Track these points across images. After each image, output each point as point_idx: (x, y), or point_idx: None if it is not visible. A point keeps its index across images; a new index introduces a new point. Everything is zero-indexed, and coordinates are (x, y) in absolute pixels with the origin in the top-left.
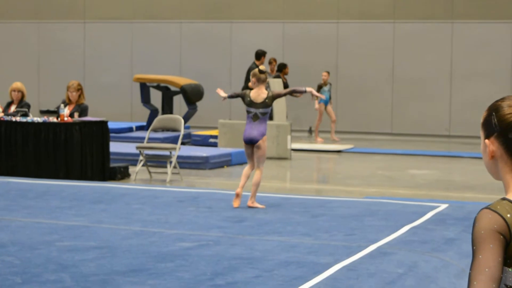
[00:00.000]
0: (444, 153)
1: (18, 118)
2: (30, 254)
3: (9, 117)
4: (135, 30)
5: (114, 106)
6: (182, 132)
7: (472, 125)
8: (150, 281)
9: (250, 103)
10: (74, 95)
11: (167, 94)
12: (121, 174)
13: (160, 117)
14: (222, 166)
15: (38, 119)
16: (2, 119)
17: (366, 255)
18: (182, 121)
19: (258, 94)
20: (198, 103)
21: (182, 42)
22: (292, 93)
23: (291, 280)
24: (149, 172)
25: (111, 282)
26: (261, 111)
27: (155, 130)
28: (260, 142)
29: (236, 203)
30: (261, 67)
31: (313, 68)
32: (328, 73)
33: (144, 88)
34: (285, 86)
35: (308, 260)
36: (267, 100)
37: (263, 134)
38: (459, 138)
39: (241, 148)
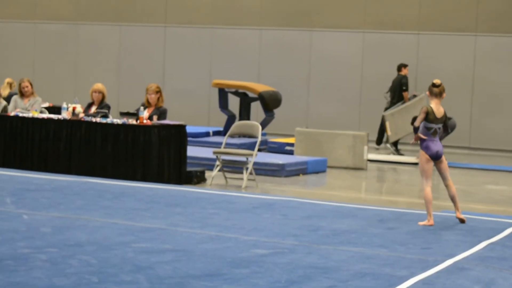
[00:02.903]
0: None
1: (98, 119)
2: (107, 254)
3: (90, 117)
4: (215, 36)
5: (191, 111)
6: (259, 138)
7: None
8: (225, 286)
9: (434, 119)
10: (153, 98)
11: (245, 100)
12: (197, 178)
13: (237, 123)
14: (298, 174)
15: (118, 120)
16: (82, 119)
17: (443, 269)
18: (260, 127)
19: (438, 109)
20: (275, 110)
21: (262, 49)
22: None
23: None
24: (225, 178)
25: (186, 285)
26: (439, 126)
27: (232, 135)
28: (443, 156)
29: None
30: (435, 81)
31: (391, 79)
32: None
33: (222, 94)
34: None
35: (383, 272)
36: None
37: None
38: None
39: (317, 157)
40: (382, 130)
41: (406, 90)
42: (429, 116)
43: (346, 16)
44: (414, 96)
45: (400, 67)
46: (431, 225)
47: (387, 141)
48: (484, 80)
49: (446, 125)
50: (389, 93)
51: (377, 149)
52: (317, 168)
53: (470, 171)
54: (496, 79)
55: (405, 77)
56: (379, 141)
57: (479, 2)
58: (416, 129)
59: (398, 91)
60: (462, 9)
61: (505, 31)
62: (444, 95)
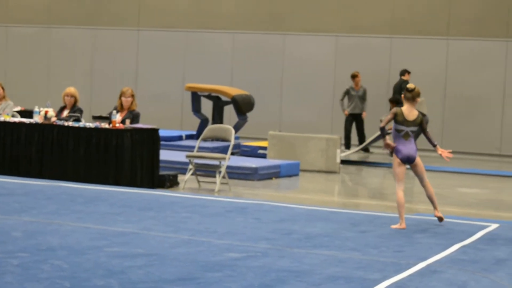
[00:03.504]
0: (495, 172)
1: (70, 123)
2: (79, 258)
3: (62, 121)
4: (188, 39)
5: (164, 114)
6: (232, 142)
7: None
8: None
9: (404, 121)
10: (128, 101)
11: (218, 104)
12: (170, 182)
13: (210, 126)
14: (271, 178)
15: (90, 124)
16: (55, 123)
17: (415, 272)
18: (233, 131)
19: (410, 112)
20: (248, 114)
21: (235, 52)
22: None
23: None
24: (198, 181)
25: None
26: (411, 129)
27: (205, 139)
28: (417, 158)
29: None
30: (409, 85)
31: (365, 82)
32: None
33: (195, 97)
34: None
35: (356, 276)
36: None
37: (417, 151)
38: (510, 157)
39: (290, 160)
40: (348, 133)
41: None
42: (397, 118)
43: (319, 20)
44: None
45: (404, 72)
46: (403, 229)
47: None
48: (456, 84)
49: (423, 128)
50: (344, 100)
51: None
52: (290, 172)
53: (442, 174)
54: (468, 82)
55: (406, 82)
56: (348, 145)
57: (451, 7)
58: (381, 130)
59: (398, 95)
60: (434, 13)
61: (477, 35)
62: (418, 99)
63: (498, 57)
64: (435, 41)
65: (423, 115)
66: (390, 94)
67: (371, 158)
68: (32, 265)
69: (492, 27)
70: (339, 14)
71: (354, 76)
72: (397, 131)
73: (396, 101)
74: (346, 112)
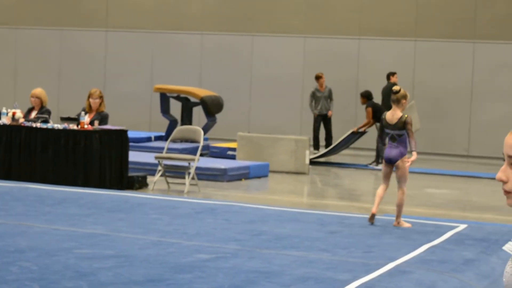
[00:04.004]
0: (462, 173)
1: (38, 124)
2: (48, 260)
3: (30, 122)
4: (157, 40)
5: (133, 116)
6: (201, 143)
7: (491, 145)
8: None
9: (387, 125)
10: (96, 102)
11: (187, 105)
12: (139, 183)
13: (179, 127)
14: (240, 179)
15: (59, 125)
16: (22, 124)
17: (385, 273)
18: (202, 132)
19: (392, 115)
20: (217, 115)
21: (203, 53)
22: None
23: None
24: (167, 183)
25: None
26: (396, 133)
27: (174, 140)
28: (399, 162)
29: (372, 221)
30: (394, 88)
31: (333, 84)
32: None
33: (164, 98)
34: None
35: (326, 276)
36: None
37: (402, 155)
38: (477, 158)
39: (260, 161)
40: (317, 134)
41: None
42: (382, 122)
43: (287, 21)
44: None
45: (389, 75)
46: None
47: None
48: (424, 84)
49: (407, 130)
50: (313, 102)
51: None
52: (259, 173)
53: (410, 174)
54: (436, 83)
55: (393, 84)
56: (317, 146)
57: (418, 7)
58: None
59: (387, 98)
60: (401, 14)
61: (445, 36)
62: (404, 101)
63: (465, 58)
64: (403, 42)
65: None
66: (358, 95)
67: (340, 159)
68: (1, 266)
69: (459, 28)
70: (307, 16)
71: (318, 77)
72: (386, 134)
73: (366, 96)
74: (316, 113)
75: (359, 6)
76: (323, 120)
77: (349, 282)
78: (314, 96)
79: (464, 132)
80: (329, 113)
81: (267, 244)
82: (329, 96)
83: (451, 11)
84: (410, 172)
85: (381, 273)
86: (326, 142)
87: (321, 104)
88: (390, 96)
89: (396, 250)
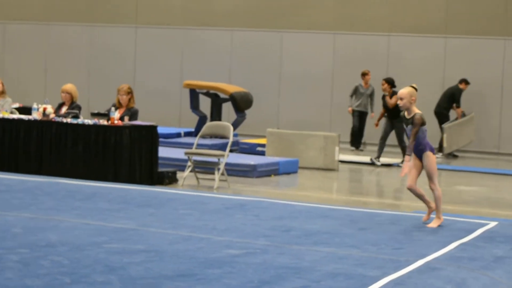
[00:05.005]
0: (492, 170)
1: (69, 120)
2: (79, 254)
3: (60, 118)
4: (186, 37)
5: (163, 111)
6: (231, 139)
7: None
8: (198, 286)
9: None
10: (124, 98)
11: (216, 101)
12: (169, 179)
13: (209, 123)
14: (269, 175)
15: (89, 121)
16: (53, 120)
17: (414, 270)
18: (231, 128)
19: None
20: (246, 111)
21: (233, 50)
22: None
23: None
24: (197, 178)
25: (159, 285)
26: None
27: (203, 136)
28: (424, 158)
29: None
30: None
31: (359, 80)
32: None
33: (194, 94)
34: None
35: (356, 273)
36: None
37: (422, 151)
38: (508, 155)
39: (288, 158)
40: (356, 130)
41: (459, 105)
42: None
43: (316, 18)
44: (464, 114)
45: (462, 81)
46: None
47: (441, 151)
48: (455, 82)
49: (412, 129)
50: (353, 97)
51: (353, 150)
52: (289, 169)
53: (441, 172)
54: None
55: (459, 91)
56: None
57: (448, 4)
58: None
59: (447, 101)
60: (431, 11)
61: (475, 33)
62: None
63: (495, 54)
64: (434, 39)
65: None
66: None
67: (369, 155)
68: (32, 261)
69: (490, 24)
70: (337, 12)
71: (364, 74)
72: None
73: (390, 82)
74: (350, 109)
75: (389, 3)
76: (359, 117)
77: (378, 278)
78: (356, 92)
79: (495, 129)
80: (371, 114)
81: (297, 240)
82: (371, 95)
83: (481, 8)
84: (442, 170)
85: (410, 269)
86: (355, 140)
87: (361, 101)
88: (450, 99)
89: (426, 247)
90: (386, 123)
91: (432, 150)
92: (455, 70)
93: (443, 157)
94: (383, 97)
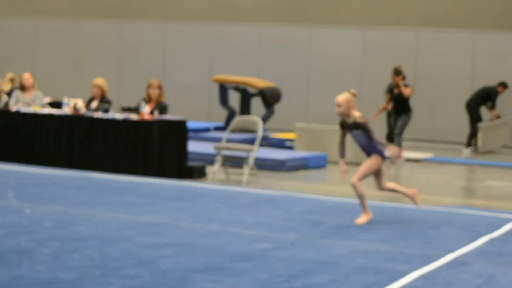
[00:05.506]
0: None
1: (99, 114)
2: (109, 248)
3: (91, 112)
4: (215, 32)
5: (192, 106)
6: (260, 134)
7: None
8: (227, 280)
9: None
10: (155, 93)
11: (246, 96)
12: (198, 173)
13: (238, 118)
14: (298, 169)
15: (119, 115)
16: (84, 114)
17: (443, 264)
18: (261, 123)
19: None
20: (275, 106)
21: (262, 44)
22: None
23: (367, 286)
24: (226, 172)
25: (189, 279)
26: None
27: (233, 131)
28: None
29: None
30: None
31: (389, 76)
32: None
33: (223, 89)
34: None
35: (384, 267)
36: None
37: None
38: None
39: (317, 152)
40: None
41: (494, 107)
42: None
43: (345, 12)
44: (498, 117)
45: (500, 84)
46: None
47: (470, 145)
48: (483, 77)
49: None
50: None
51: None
52: (318, 164)
53: (469, 167)
54: (495, 75)
55: (496, 93)
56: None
57: None
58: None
59: (480, 99)
60: (460, 5)
61: (503, 27)
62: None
63: None
64: (462, 34)
65: None
66: (415, 87)
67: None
68: (63, 254)
69: None
70: (365, 7)
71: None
72: None
73: (400, 73)
74: (388, 107)
75: None
76: (394, 114)
77: (407, 273)
78: (391, 89)
79: None
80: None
81: (325, 234)
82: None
83: (510, 2)
84: (470, 164)
85: (439, 264)
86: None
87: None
88: (484, 98)
89: (455, 242)
90: (394, 118)
91: (382, 155)
92: (483, 64)
93: (472, 153)
94: (391, 90)
